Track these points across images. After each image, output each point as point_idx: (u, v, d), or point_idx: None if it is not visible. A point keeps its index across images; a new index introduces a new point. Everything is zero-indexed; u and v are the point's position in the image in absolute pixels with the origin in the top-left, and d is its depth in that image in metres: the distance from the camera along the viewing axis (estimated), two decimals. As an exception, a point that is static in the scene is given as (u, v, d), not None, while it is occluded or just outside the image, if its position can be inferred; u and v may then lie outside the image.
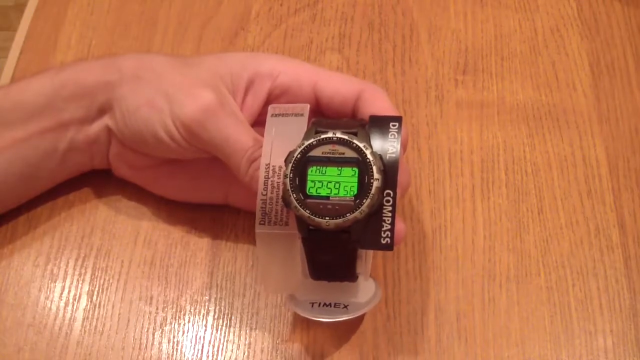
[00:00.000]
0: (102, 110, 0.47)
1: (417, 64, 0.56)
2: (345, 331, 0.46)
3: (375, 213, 0.40)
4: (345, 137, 0.40)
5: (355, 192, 0.39)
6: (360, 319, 0.46)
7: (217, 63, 0.46)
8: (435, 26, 0.58)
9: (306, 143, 0.40)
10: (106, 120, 0.47)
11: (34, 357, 0.45)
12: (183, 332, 0.46)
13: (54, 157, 0.47)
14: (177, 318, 0.46)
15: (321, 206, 0.39)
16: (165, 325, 0.46)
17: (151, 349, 0.45)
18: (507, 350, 0.45)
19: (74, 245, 0.49)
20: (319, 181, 0.40)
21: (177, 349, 0.45)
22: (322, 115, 0.46)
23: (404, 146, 0.42)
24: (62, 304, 0.47)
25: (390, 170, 0.40)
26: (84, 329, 0.46)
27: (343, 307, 0.43)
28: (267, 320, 0.46)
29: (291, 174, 0.40)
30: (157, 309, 0.47)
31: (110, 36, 0.58)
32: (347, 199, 0.39)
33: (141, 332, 0.46)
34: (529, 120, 0.54)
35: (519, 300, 0.47)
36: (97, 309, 0.47)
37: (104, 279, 0.48)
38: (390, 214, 0.40)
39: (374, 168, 0.40)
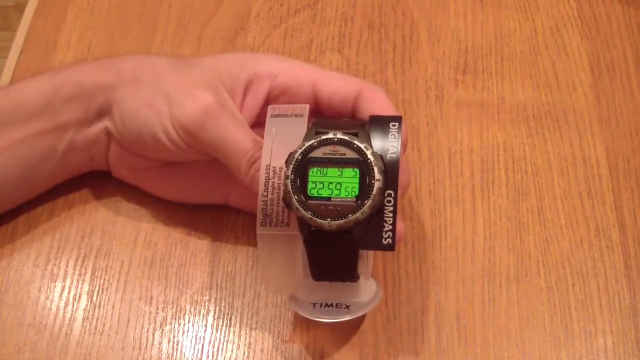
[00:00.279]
0: (101, 113, 0.47)
1: (417, 64, 0.56)
2: (345, 331, 0.46)
3: (377, 213, 0.40)
4: (346, 137, 0.40)
5: (357, 193, 0.39)
6: (360, 320, 0.46)
7: (215, 64, 0.46)
8: (435, 26, 0.58)
9: (307, 144, 0.40)
10: (105, 123, 0.47)
11: (34, 357, 0.45)
12: (183, 332, 0.46)
13: (53, 158, 0.47)
14: (177, 318, 0.46)
15: (322, 207, 0.39)
16: (165, 325, 0.46)
17: (151, 349, 0.45)
18: (507, 350, 0.45)
19: (74, 245, 0.49)
20: (320, 182, 0.40)
21: (177, 349, 0.45)
22: (322, 115, 0.46)
23: (404, 146, 0.42)
24: (62, 304, 0.47)
25: (391, 170, 0.40)
26: (84, 329, 0.46)
27: (345, 308, 0.43)
28: (267, 320, 0.46)
29: (292, 175, 0.40)
30: (157, 309, 0.47)
31: (110, 36, 0.58)
32: (349, 199, 0.39)
33: (141, 332, 0.46)
34: (529, 120, 0.54)
35: (519, 300, 0.47)
36: (97, 309, 0.47)
37: (104, 279, 0.48)
38: (391, 214, 0.40)
39: (375, 169, 0.40)
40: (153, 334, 0.46)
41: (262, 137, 0.43)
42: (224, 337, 0.46)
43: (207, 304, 0.47)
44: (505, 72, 0.56)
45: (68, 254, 0.49)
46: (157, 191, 0.50)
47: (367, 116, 0.43)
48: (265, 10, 0.59)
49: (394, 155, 0.40)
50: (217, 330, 0.46)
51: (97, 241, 0.49)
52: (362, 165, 0.40)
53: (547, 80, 0.55)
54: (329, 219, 0.39)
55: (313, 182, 0.40)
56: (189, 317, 0.46)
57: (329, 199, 0.40)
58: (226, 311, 0.47)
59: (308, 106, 0.43)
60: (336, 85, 0.45)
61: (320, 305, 0.43)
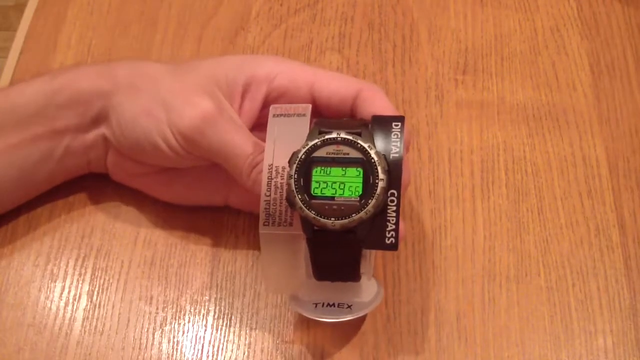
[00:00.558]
0: (98, 119, 0.46)
1: (417, 64, 0.56)
2: (346, 331, 0.46)
3: (380, 213, 0.40)
4: (350, 137, 0.40)
5: (360, 193, 0.39)
6: (361, 320, 0.46)
7: (212, 68, 0.46)
8: (435, 26, 0.58)
9: (310, 144, 0.40)
10: (103, 130, 0.47)
11: (34, 357, 0.45)
12: (183, 332, 0.46)
13: (50, 162, 0.47)
14: (177, 318, 0.46)
15: (326, 207, 0.39)
16: (165, 325, 0.46)
17: (151, 349, 0.45)
18: (507, 350, 0.45)
19: (74, 246, 0.49)
20: (324, 182, 0.40)
21: (177, 349, 0.45)
22: (320, 116, 0.46)
23: (406, 146, 0.42)
24: (62, 304, 0.47)
25: (394, 170, 0.40)
26: (84, 329, 0.46)
27: (347, 307, 0.43)
28: (267, 320, 0.46)
29: (296, 175, 0.40)
30: (157, 309, 0.47)
31: (110, 36, 0.58)
32: (353, 199, 0.39)
33: (141, 332, 0.46)
34: (529, 120, 0.54)
35: (519, 300, 0.47)
36: (97, 309, 0.47)
37: (104, 279, 0.48)
38: (394, 214, 0.40)
39: (379, 168, 0.40)
40: (153, 334, 0.46)
41: (262, 140, 0.43)
42: (224, 337, 0.46)
43: (207, 304, 0.47)
44: (505, 72, 0.56)
45: (68, 254, 0.49)
46: (156, 195, 0.50)
47: (367, 116, 0.43)
48: (265, 10, 0.59)
49: (397, 155, 0.40)
50: (217, 330, 0.46)
51: (97, 241, 0.49)
52: (366, 164, 0.40)
53: (547, 80, 0.55)
54: (332, 219, 0.39)
55: (317, 182, 0.40)
56: (189, 317, 0.46)
57: (332, 198, 0.40)
58: (226, 311, 0.47)
59: (310, 106, 0.43)
60: (335, 86, 0.45)
61: (322, 305, 0.43)
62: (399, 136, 0.41)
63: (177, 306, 0.47)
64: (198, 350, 0.45)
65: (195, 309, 0.47)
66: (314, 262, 0.42)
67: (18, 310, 0.46)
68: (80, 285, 0.48)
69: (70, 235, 0.49)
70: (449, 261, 0.48)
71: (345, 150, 0.40)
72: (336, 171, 0.40)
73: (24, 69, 0.56)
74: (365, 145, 0.40)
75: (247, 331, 0.46)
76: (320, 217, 0.39)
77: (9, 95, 0.46)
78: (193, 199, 0.49)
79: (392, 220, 0.40)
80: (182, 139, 0.44)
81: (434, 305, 0.47)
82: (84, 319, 0.46)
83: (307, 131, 0.42)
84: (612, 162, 0.52)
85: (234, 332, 0.46)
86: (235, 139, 0.43)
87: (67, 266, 0.48)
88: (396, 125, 0.41)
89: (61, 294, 0.47)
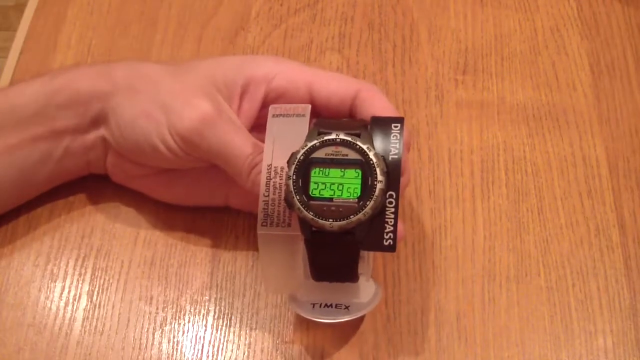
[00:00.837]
0: (97, 120, 0.46)
1: (417, 64, 0.56)
2: (346, 331, 0.46)
3: (379, 215, 0.40)
4: (349, 138, 0.40)
5: (359, 194, 0.39)
6: (360, 320, 0.46)
7: (211, 69, 0.46)
8: (435, 26, 0.58)
9: (309, 144, 0.40)
10: (102, 131, 0.46)
11: (34, 357, 0.45)
12: (183, 332, 0.46)
13: (49, 163, 0.47)
14: (177, 318, 0.46)
15: (324, 208, 0.39)
16: (165, 325, 0.46)
17: (151, 349, 0.45)
18: (507, 350, 0.45)
19: (74, 246, 0.49)
20: (322, 183, 0.40)
21: (177, 349, 0.45)
22: (319, 116, 0.46)
23: (407, 147, 0.42)
24: (62, 304, 0.47)
25: (392, 171, 0.40)
26: (84, 329, 0.46)
27: (344, 308, 0.43)
28: (267, 320, 0.46)
29: (294, 176, 0.40)
30: (157, 309, 0.47)
31: (110, 36, 0.58)
32: (351, 200, 0.39)
33: (141, 332, 0.46)
34: (529, 120, 0.54)
35: (519, 300, 0.47)
36: (97, 309, 0.47)
37: (104, 279, 0.48)
38: (392, 216, 0.40)
39: (378, 170, 0.40)
40: (153, 334, 0.46)
41: (261, 140, 0.43)
42: (224, 337, 0.46)
43: (207, 304, 0.47)
44: (505, 72, 0.56)
45: (68, 254, 0.49)
46: (156, 196, 0.50)
47: (366, 117, 0.43)
48: (265, 10, 0.59)
49: (396, 157, 0.40)
50: (217, 330, 0.46)
51: (97, 241, 0.49)
52: (365, 166, 0.40)
53: (547, 80, 0.55)
54: (330, 220, 0.39)
55: (315, 183, 0.40)
56: (189, 317, 0.46)
57: (331, 199, 0.40)
58: (226, 311, 0.47)
59: (310, 106, 0.43)
60: (334, 86, 0.45)
61: (320, 306, 0.43)
62: (398, 137, 0.41)
63: (177, 306, 0.47)
64: (198, 350, 0.45)
65: (195, 309, 0.47)
66: (311, 263, 0.42)
67: (18, 310, 0.46)
68: (80, 285, 0.48)
69: (70, 235, 0.49)
70: (449, 261, 0.48)
71: (344, 151, 0.40)
72: (335, 172, 0.40)
73: (24, 69, 0.56)
74: (364, 147, 0.40)
75: (247, 331, 0.46)
76: (319, 218, 0.39)
77: (8, 96, 0.46)
78: (193, 200, 0.49)
79: (391, 221, 0.40)
80: (181, 140, 0.44)
81: (434, 305, 0.47)
82: (84, 319, 0.46)
83: (307, 132, 0.42)
84: (612, 162, 0.52)
85: (234, 332, 0.46)
86: (235, 140, 0.43)
87: (67, 266, 0.48)
88: (395, 127, 0.41)
89: (61, 294, 0.47)
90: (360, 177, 0.40)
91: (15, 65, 0.56)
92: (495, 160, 0.52)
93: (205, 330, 0.46)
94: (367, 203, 0.39)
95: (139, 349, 0.45)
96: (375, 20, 0.58)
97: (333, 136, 0.40)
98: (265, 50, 0.57)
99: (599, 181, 0.51)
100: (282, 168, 0.41)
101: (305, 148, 0.40)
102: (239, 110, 0.46)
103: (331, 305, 0.43)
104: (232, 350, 0.45)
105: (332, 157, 0.40)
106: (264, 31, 0.58)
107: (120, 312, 0.47)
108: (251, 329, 0.46)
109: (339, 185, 0.40)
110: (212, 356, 0.45)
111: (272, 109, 0.43)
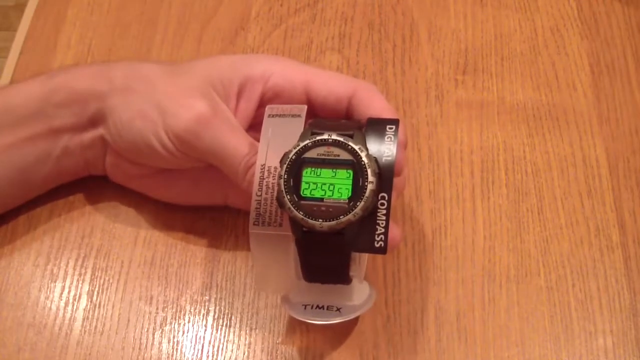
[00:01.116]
0: (95, 120, 0.46)
1: (417, 64, 0.56)
2: (345, 332, 0.46)
3: (369, 216, 0.40)
4: (341, 139, 0.40)
5: (350, 195, 0.39)
6: (360, 320, 0.46)
7: (207, 69, 0.46)
8: (435, 26, 0.58)
9: (301, 144, 0.40)
10: (100, 131, 0.46)
11: (34, 357, 0.45)
12: (183, 332, 0.46)
13: (47, 163, 0.47)
14: (177, 318, 0.46)
15: (315, 208, 0.39)
16: (165, 325, 0.46)
17: (151, 349, 0.45)
18: (507, 350, 0.45)
19: (74, 245, 0.49)
20: (314, 183, 0.40)
21: (177, 349, 0.45)
22: (316, 115, 0.46)
23: (402, 146, 0.42)
24: (62, 304, 0.47)
25: (385, 173, 0.40)
26: (84, 329, 0.46)
27: (336, 310, 0.43)
28: (267, 320, 0.46)
29: (286, 175, 0.40)
30: (157, 309, 0.47)
31: (110, 36, 0.58)
32: (341, 201, 0.39)
33: (141, 332, 0.46)
34: (529, 120, 0.54)
35: (519, 300, 0.47)
36: (97, 309, 0.47)
37: (104, 279, 0.48)
38: (384, 217, 0.40)
39: (369, 171, 0.39)
40: (153, 334, 0.46)
41: (258, 139, 0.43)
42: (224, 337, 0.46)
43: (207, 304, 0.47)
44: (505, 72, 0.56)
45: (68, 254, 0.49)
46: (156, 196, 0.50)
47: (364, 117, 0.43)
48: (265, 10, 0.59)
49: (390, 159, 0.40)
50: (217, 330, 0.46)
51: (97, 241, 0.49)
52: (356, 167, 0.40)
53: (547, 80, 0.55)
54: (320, 220, 0.39)
55: (306, 183, 0.40)
56: (189, 317, 0.46)
57: (321, 199, 0.39)
58: (226, 311, 0.47)
59: (306, 107, 0.43)
60: (331, 85, 0.45)
61: (312, 307, 0.43)
62: (393, 139, 0.41)
63: (177, 306, 0.47)
64: (198, 350, 0.45)
65: (195, 309, 0.47)
66: (303, 263, 0.41)
67: (18, 310, 0.46)
68: (80, 285, 0.48)
69: (70, 235, 0.49)
70: (449, 261, 0.48)
71: (335, 151, 0.40)
72: (326, 172, 0.40)
73: (24, 69, 0.56)
74: (356, 148, 0.40)
75: (247, 331, 0.46)
76: (309, 218, 0.39)
77: (6, 95, 0.46)
78: (192, 199, 0.49)
79: (382, 223, 0.40)
80: (177, 141, 0.44)
81: (434, 305, 0.47)
82: (84, 319, 0.46)
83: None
84: (612, 162, 0.52)
85: (234, 332, 0.46)
86: (231, 140, 0.43)
87: (67, 266, 0.48)
88: (390, 129, 0.41)
89: (61, 294, 0.47)
90: (351, 177, 0.40)
91: (15, 65, 0.56)
92: (495, 160, 0.52)
93: (205, 330, 0.46)
94: (358, 204, 0.39)
95: (139, 349, 0.45)
96: (375, 20, 0.58)
97: (325, 136, 0.40)
98: (265, 50, 0.57)
99: (599, 181, 0.51)
100: (275, 168, 0.41)
101: (298, 148, 0.40)
102: (236, 110, 0.46)
103: (323, 307, 0.43)
104: (232, 350, 0.45)
105: (323, 157, 0.40)
106: (264, 31, 0.58)
107: (120, 312, 0.47)
108: (251, 329, 0.46)
109: (330, 185, 0.40)
110: (212, 356, 0.45)
111: (268, 109, 0.43)
